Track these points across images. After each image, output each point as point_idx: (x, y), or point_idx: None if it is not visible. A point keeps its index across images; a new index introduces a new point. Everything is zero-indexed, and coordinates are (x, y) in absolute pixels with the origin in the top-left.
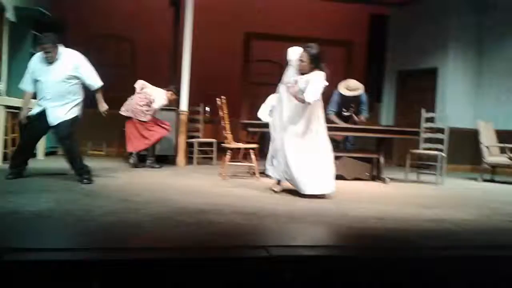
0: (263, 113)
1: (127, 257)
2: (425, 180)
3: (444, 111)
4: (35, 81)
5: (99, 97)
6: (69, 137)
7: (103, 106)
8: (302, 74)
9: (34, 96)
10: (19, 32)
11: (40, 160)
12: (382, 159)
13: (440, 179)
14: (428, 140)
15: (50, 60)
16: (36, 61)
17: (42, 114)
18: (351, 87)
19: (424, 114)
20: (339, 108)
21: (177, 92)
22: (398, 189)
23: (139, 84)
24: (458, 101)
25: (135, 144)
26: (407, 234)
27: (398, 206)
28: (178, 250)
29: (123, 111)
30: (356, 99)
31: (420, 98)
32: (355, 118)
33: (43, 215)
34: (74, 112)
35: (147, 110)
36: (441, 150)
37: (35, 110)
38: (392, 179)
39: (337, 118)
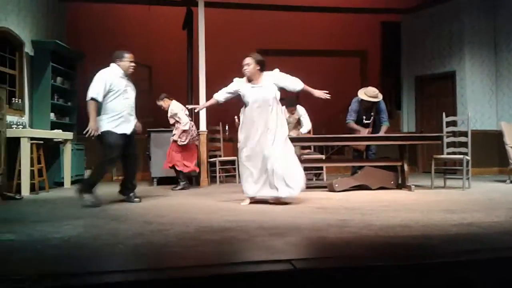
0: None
1: (155, 277)
2: (451, 185)
3: (465, 114)
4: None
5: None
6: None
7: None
8: (250, 80)
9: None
10: (38, 65)
11: (66, 189)
12: (406, 167)
13: (466, 183)
14: (452, 145)
15: None
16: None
17: None
18: (370, 93)
19: (445, 118)
20: (359, 117)
21: (168, 97)
22: (424, 196)
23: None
24: (478, 103)
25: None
26: (435, 240)
27: (424, 213)
28: (204, 268)
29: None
30: (375, 107)
31: (440, 102)
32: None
33: (71, 240)
34: (103, 127)
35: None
36: (465, 154)
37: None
38: (417, 186)
39: (356, 125)
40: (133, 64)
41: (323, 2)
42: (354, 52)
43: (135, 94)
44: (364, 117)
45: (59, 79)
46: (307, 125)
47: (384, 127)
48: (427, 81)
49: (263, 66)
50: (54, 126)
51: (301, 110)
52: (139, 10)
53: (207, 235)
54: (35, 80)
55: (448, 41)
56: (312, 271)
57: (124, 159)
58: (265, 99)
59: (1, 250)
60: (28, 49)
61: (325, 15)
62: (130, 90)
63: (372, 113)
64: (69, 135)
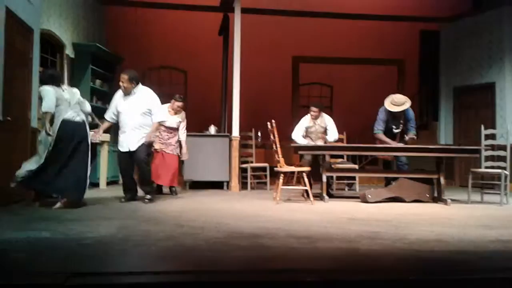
0: (297, 135)
1: (184, 280)
2: (489, 201)
3: (504, 127)
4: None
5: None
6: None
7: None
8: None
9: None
10: (79, 67)
11: (101, 190)
12: (442, 180)
13: (504, 199)
14: (490, 158)
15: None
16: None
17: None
18: (396, 102)
19: (484, 131)
20: (387, 126)
21: (182, 99)
22: (460, 211)
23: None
24: None
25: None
26: (471, 256)
27: (460, 228)
28: (233, 273)
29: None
30: (403, 115)
31: (478, 114)
32: (406, 137)
33: (104, 241)
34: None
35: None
36: (504, 168)
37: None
38: (454, 200)
39: (385, 136)
40: (121, 82)
41: (361, 9)
42: (392, 61)
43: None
44: (393, 126)
45: (98, 81)
46: (333, 134)
47: (410, 134)
48: (465, 92)
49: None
50: (92, 127)
51: (327, 119)
52: (177, 15)
53: (237, 241)
54: (75, 81)
55: (488, 51)
56: (342, 282)
57: None
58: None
59: (37, 247)
60: (69, 51)
61: (363, 23)
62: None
63: (401, 121)
64: (106, 136)
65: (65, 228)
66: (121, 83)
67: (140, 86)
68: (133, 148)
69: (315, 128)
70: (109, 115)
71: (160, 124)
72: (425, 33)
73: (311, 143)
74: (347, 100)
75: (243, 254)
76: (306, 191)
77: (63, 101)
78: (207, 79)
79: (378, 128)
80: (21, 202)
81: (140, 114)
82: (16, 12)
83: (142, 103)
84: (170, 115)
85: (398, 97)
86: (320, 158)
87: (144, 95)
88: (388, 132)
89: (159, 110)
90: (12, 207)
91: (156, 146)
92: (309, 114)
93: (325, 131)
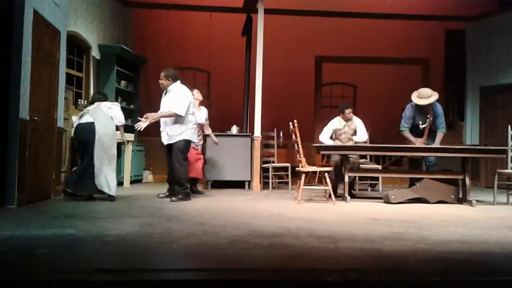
0: (325, 136)
1: (205, 278)
2: None
3: None
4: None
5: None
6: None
7: None
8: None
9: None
10: (104, 68)
11: (125, 188)
12: (468, 181)
13: None
14: None
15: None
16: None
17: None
18: (423, 95)
19: (510, 131)
20: (414, 123)
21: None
22: (486, 212)
23: None
24: None
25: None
26: (496, 258)
27: (484, 230)
28: (254, 271)
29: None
30: (431, 110)
31: (505, 114)
32: (435, 131)
33: (127, 238)
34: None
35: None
36: None
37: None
38: (479, 202)
39: (410, 134)
40: (160, 80)
41: (385, 8)
42: (417, 60)
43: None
44: (420, 122)
45: (123, 82)
46: (362, 135)
47: (440, 134)
48: (492, 91)
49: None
50: (116, 127)
51: (357, 121)
52: (201, 17)
53: (258, 240)
54: (101, 82)
55: None
56: (364, 283)
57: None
58: None
59: (61, 244)
60: (94, 52)
61: (387, 22)
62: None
63: (428, 117)
64: (130, 136)
65: (89, 226)
66: (159, 80)
67: (177, 83)
68: (166, 142)
69: (345, 129)
70: None
71: (175, 115)
72: (451, 32)
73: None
74: (371, 100)
75: (264, 252)
76: (328, 191)
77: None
78: (230, 79)
79: (404, 126)
80: (48, 199)
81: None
82: (43, 14)
83: (172, 99)
84: (197, 111)
85: (425, 90)
86: (346, 159)
87: (176, 91)
88: (415, 129)
89: (179, 103)
90: (38, 204)
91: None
92: (338, 117)
93: (354, 133)
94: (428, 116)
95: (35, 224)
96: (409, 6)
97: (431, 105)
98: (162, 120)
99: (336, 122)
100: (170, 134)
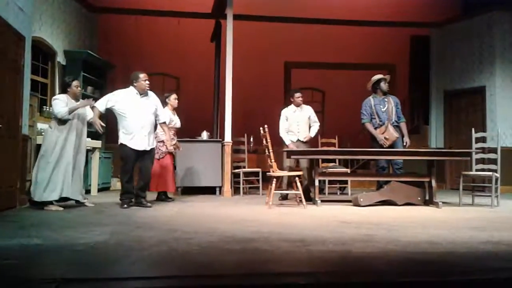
0: (283, 131)
1: (177, 285)
2: (480, 203)
3: (495, 130)
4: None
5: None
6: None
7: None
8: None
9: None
10: (70, 74)
11: (92, 196)
12: (434, 183)
13: (495, 201)
14: (481, 161)
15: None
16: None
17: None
18: (374, 77)
19: (474, 134)
20: (373, 115)
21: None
22: (452, 213)
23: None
24: (508, 119)
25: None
26: (462, 258)
27: (451, 230)
28: (226, 277)
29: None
30: (389, 101)
31: (469, 118)
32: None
33: (96, 246)
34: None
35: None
36: (494, 171)
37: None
38: (445, 203)
39: (372, 127)
40: (147, 82)
41: (353, 15)
42: (382, 66)
43: (153, 110)
44: (381, 107)
45: (89, 88)
46: (315, 126)
47: (404, 125)
48: (456, 96)
49: None
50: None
51: (309, 109)
52: (169, 22)
53: (230, 245)
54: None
55: (478, 55)
56: (336, 284)
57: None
58: None
59: (29, 254)
60: (60, 58)
61: (354, 29)
62: (145, 107)
63: (386, 107)
64: (97, 143)
65: (56, 235)
66: (147, 82)
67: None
68: (148, 147)
69: (298, 115)
70: (103, 107)
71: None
72: (416, 38)
73: (295, 138)
74: (339, 104)
75: (236, 258)
76: (299, 195)
77: None
78: (199, 85)
79: (364, 117)
80: (14, 208)
81: (152, 114)
82: (7, 19)
83: (152, 104)
84: (173, 115)
85: (374, 76)
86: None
87: (153, 96)
88: (379, 115)
89: (163, 112)
90: (2, 213)
91: (170, 148)
92: (288, 107)
93: (308, 120)
94: (386, 106)
95: (1, 234)
96: (376, 13)
97: (388, 97)
98: (140, 124)
99: (286, 110)
100: (150, 140)
